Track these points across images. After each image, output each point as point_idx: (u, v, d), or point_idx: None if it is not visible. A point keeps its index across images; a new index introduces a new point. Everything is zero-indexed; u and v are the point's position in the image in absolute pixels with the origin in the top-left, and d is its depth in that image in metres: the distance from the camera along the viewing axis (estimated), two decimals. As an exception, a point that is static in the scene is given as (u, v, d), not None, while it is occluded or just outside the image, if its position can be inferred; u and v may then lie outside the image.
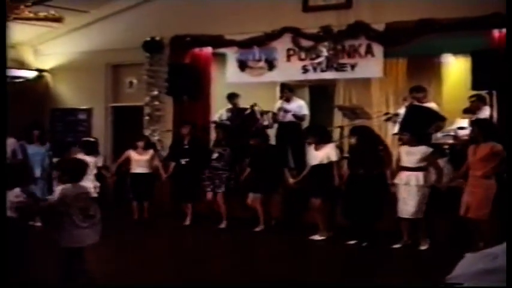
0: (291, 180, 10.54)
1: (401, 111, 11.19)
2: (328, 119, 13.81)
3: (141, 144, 11.53)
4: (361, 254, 9.25)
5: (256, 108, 12.16)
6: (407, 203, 9.06)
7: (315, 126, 10.98)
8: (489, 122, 9.40)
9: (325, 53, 11.73)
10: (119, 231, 9.93)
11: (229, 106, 12.46)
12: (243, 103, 12.43)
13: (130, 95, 14.07)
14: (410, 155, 9.14)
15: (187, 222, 11.27)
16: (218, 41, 12.67)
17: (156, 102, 13.32)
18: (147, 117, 13.37)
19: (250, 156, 10.93)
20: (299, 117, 12.12)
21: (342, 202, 9.88)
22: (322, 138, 10.11)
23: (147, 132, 13.12)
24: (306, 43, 11.93)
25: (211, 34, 12.64)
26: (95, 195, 11.05)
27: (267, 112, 12.29)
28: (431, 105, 11.02)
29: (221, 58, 12.99)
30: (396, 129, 10.89)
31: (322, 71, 11.94)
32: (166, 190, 11.86)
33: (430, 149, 9.20)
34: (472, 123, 9.37)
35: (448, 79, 13.12)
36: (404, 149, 9.24)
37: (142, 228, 11.14)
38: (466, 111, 10.99)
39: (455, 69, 12.95)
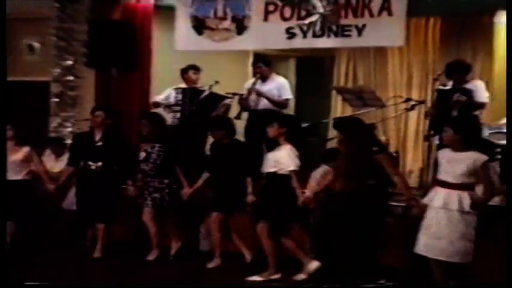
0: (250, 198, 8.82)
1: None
2: (323, 106, 12.51)
3: (9, 134, 9.28)
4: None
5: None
6: (441, 236, 7.12)
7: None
8: None
9: (320, 9, 10.37)
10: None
11: (181, 85, 10.61)
12: (201, 82, 10.66)
13: (30, 65, 11.99)
14: (454, 163, 7.17)
15: (97, 253, 9.27)
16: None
17: (70, 77, 11.57)
18: (55, 99, 11.50)
19: (210, 157, 9.28)
20: (278, 104, 10.33)
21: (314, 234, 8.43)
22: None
23: (55, 121, 11.39)
24: (292, -6, 10.72)
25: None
26: None
27: (232, 95, 10.46)
28: (477, 84, 9.50)
29: (167, 14, 11.37)
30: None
31: (316, 36, 10.52)
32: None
33: (484, 157, 7.16)
34: None
35: (503, 49, 10.62)
36: (445, 153, 7.35)
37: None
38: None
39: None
